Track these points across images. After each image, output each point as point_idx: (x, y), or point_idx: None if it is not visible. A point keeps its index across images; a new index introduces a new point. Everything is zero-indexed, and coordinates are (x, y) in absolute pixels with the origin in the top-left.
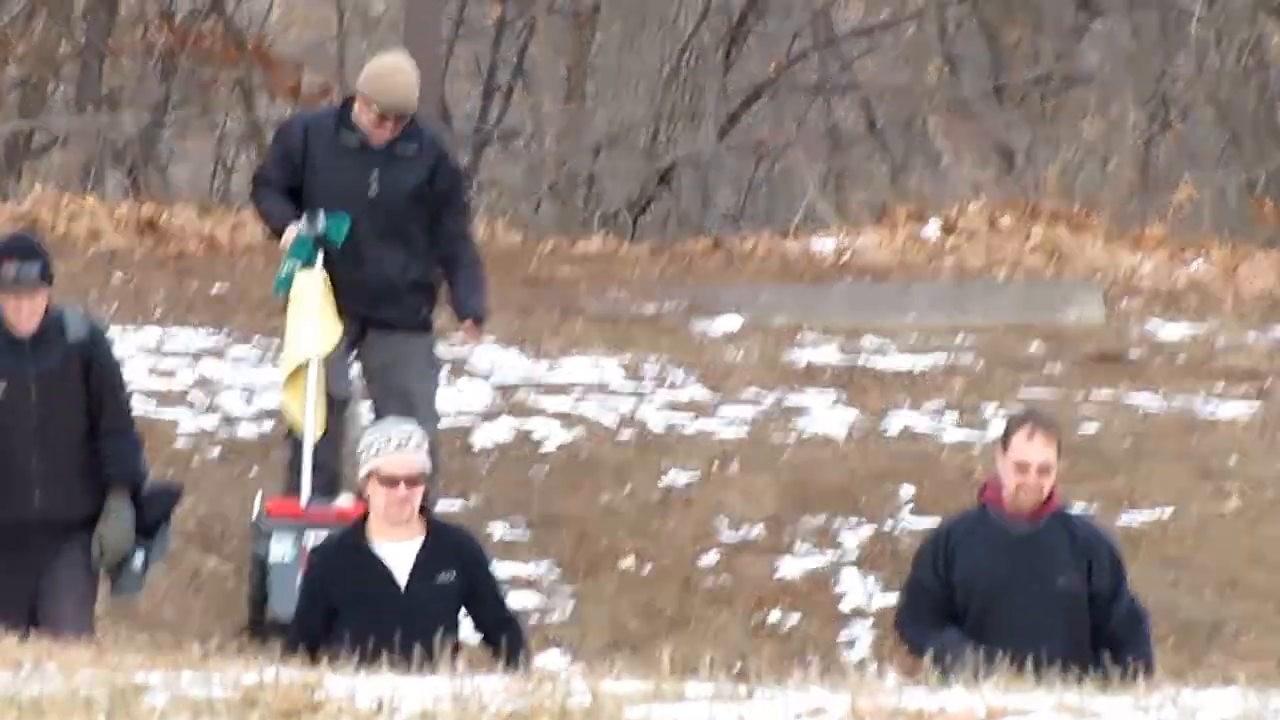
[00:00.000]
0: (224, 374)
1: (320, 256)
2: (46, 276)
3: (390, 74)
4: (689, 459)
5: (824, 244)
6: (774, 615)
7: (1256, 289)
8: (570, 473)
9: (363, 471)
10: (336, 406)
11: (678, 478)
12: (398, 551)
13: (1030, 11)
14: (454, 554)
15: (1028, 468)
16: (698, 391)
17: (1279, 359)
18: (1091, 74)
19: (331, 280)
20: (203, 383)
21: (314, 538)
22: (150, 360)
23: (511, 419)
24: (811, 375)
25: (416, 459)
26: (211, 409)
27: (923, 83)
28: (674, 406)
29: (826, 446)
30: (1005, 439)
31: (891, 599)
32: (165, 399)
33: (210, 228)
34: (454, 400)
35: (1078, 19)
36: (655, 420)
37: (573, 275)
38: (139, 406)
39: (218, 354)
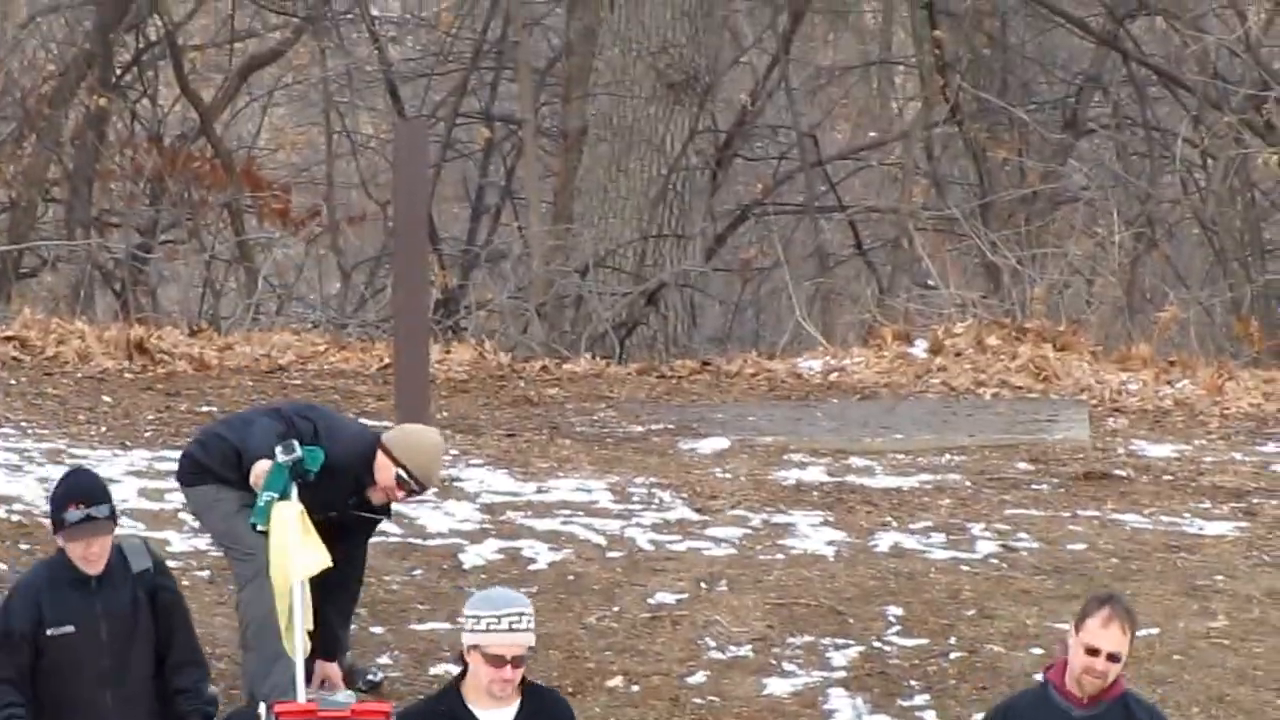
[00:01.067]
0: None
1: (295, 489)
2: (114, 517)
3: (434, 459)
4: (677, 578)
5: (811, 364)
6: None
7: (1242, 407)
8: (558, 592)
9: (469, 641)
10: None
11: (665, 597)
12: (495, 717)
13: (1016, 132)
14: None
15: (1098, 653)
16: (685, 511)
17: (1265, 478)
18: (1077, 194)
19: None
20: None
21: None
22: (140, 482)
23: (500, 539)
24: (799, 495)
25: (526, 639)
26: (201, 531)
27: (909, 203)
28: (662, 526)
29: (814, 566)
30: (1081, 620)
31: (880, 718)
32: (155, 520)
33: (199, 349)
34: (443, 521)
35: (1064, 139)
36: (643, 540)
37: (560, 396)
38: (128, 525)
39: None
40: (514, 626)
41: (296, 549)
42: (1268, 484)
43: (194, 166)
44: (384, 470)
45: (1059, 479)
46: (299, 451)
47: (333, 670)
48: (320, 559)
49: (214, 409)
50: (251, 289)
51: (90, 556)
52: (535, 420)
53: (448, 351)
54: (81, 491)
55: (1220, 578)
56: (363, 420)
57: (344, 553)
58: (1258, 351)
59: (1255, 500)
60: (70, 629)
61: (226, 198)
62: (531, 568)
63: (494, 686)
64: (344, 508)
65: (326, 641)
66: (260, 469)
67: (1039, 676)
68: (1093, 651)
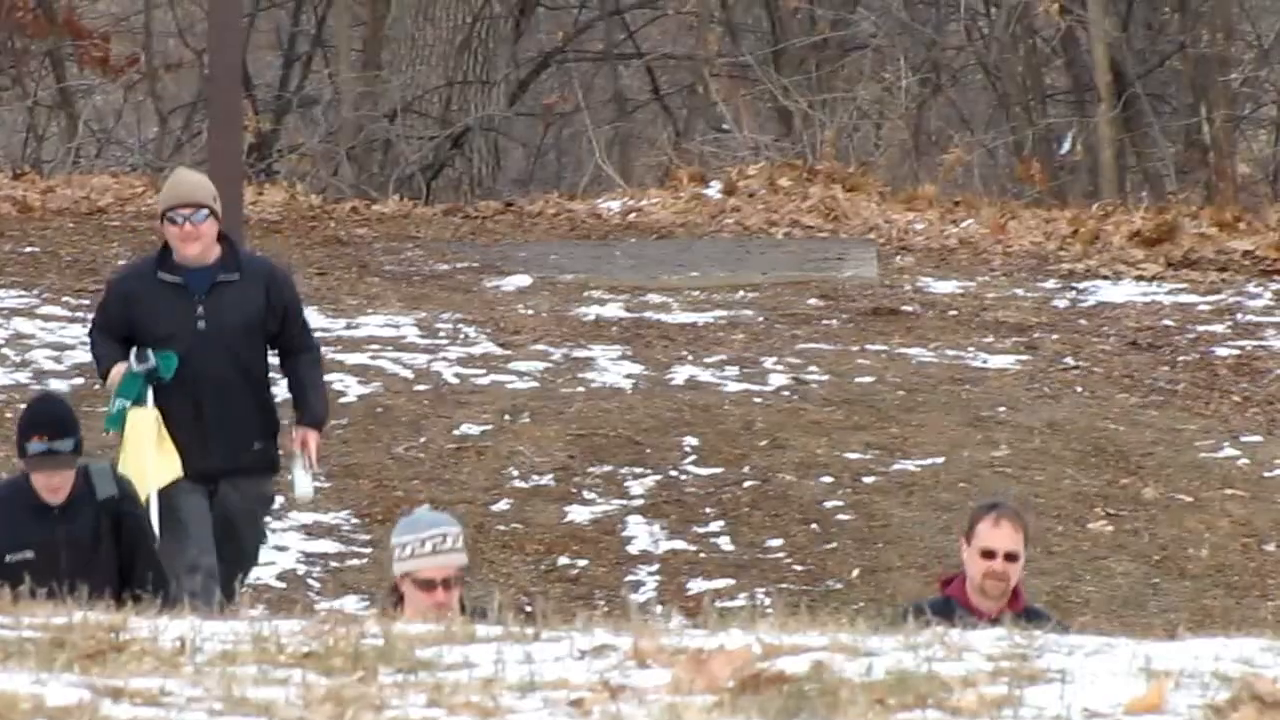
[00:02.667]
0: (35, 331)
1: (151, 394)
2: (79, 449)
3: (173, 179)
4: (481, 411)
5: (610, 205)
6: (563, 560)
7: (1024, 246)
8: (368, 424)
9: (398, 570)
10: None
11: (470, 429)
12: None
13: None
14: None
15: (994, 555)
16: (489, 346)
17: (1045, 313)
18: (866, 40)
19: (173, 434)
20: (15, 340)
21: None
22: None
23: None
24: (599, 330)
25: (455, 559)
26: (24, 365)
27: (704, 49)
28: (467, 360)
29: (613, 398)
30: (970, 528)
31: (676, 544)
32: None
33: (23, 192)
34: None
35: None
36: (449, 374)
37: (369, 235)
38: None
39: (29, 313)
40: (438, 548)
41: (151, 457)
42: (1048, 319)
43: (17, 16)
44: (165, 231)
45: (848, 314)
46: (153, 360)
47: (310, 437)
48: (173, 469)
49: (36, 249)
50: (72, 134)
51: (52, 487)
52: (345, 259)
53: (261, 193)
54: (46, 423)
55: (1003, 409)
56: None
57: (256, 339)
58: (1039, 191)
59: (1036, 335)
60: (28, 554)
61: (48, 46)
62: (342, 401)
63: (430, 614)
64: (202, 291)
65: (298, 406)
66: (116, 374)
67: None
68: (988, 554)
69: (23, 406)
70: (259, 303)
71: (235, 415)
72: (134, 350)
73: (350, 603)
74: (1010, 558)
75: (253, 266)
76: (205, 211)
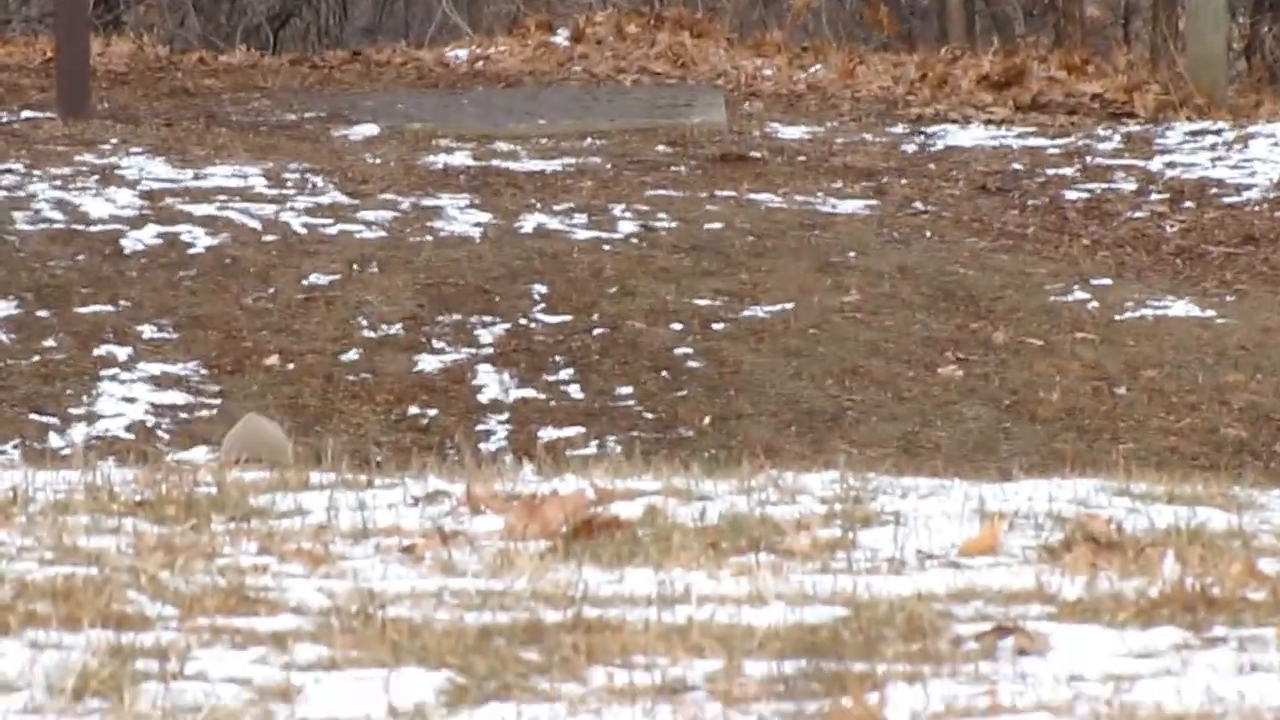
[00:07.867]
0: None
1: None
2: None
3: (245, 427)
4: (330, 260)
5: (458, 53)
6: (413, 409)
7: (873, 91)
8: (216, 275)
9: None
10: None
11: (319, 279)
12: None
13: None
14: None
15: None
16: (337, 195)
17: (894, 158)
18: None
19: None
20: None
21: None
22: None
23: (159, 225)
24: (447, 179)
25: None
26: None
27: None
28: (314, 210)
29: (462, 247)
30: None
31: (526, 393)
32: None
33: None
34: (103, 207)
35: None
36: (297, 224)
37: (216, 86)
38: None
39: None
40: None
41: None
42: (897, 164)
43: None
44: None
45: (697, 161)
46: None
47: None
48: None
49: None
50: None
51: None
52: (192, 110)
53: (108, 45)
54: None
55: (853, 254)
56: (25, 111)
57: None
58: (887, 36)
59: (885, 180)
60: None
61: None
62: (190, 252)
63: None
64: None
65: None
66: None
67: None
68: None
69: None
70: None
71: None
72: None
73: (200, 454)
74: None
75: None
76: None
